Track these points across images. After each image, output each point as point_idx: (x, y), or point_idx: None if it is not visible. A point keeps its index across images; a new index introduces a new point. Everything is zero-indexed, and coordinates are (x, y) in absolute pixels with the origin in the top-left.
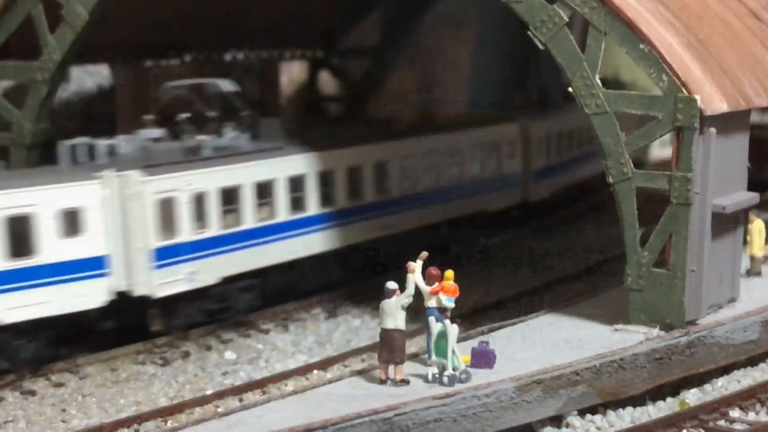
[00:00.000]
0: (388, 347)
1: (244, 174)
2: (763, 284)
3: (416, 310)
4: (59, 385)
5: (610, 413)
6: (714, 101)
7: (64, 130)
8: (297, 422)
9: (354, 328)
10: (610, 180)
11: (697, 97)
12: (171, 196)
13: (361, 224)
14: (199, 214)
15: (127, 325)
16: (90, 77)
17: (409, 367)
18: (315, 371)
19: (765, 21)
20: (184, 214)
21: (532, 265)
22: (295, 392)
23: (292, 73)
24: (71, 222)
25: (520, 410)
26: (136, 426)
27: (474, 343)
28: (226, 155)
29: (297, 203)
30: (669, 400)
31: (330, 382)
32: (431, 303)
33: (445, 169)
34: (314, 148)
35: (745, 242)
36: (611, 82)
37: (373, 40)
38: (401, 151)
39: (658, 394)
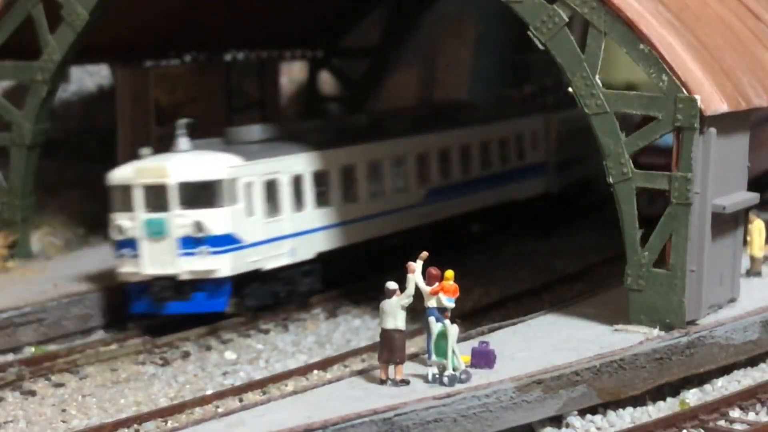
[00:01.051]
0: (388, 347)
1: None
2: (763, 284)
3: (416, 310)
4: (59, 385)
5: (610, 413)
6: (714, 101)
7: None
8: (297, 422)
9: (354, 328)
10: (610, 180)
11: (697, 97)
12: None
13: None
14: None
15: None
16: (90, 77)
17: (409, 367)
18: (315, 371)
19: (765, 21)
20: (554, 141)
21: (532, 265)
22: (295, 392)
23: (292, 73)
24: (533, 139)
25: (520, 410)
26: (136, 426)
27: (474, 343)
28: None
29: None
30: (669, 400)
31: (330, 382)
32: (431, 303)
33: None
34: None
35: (745, 242)
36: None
37: (373, 40)
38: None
39: (658, 394)
